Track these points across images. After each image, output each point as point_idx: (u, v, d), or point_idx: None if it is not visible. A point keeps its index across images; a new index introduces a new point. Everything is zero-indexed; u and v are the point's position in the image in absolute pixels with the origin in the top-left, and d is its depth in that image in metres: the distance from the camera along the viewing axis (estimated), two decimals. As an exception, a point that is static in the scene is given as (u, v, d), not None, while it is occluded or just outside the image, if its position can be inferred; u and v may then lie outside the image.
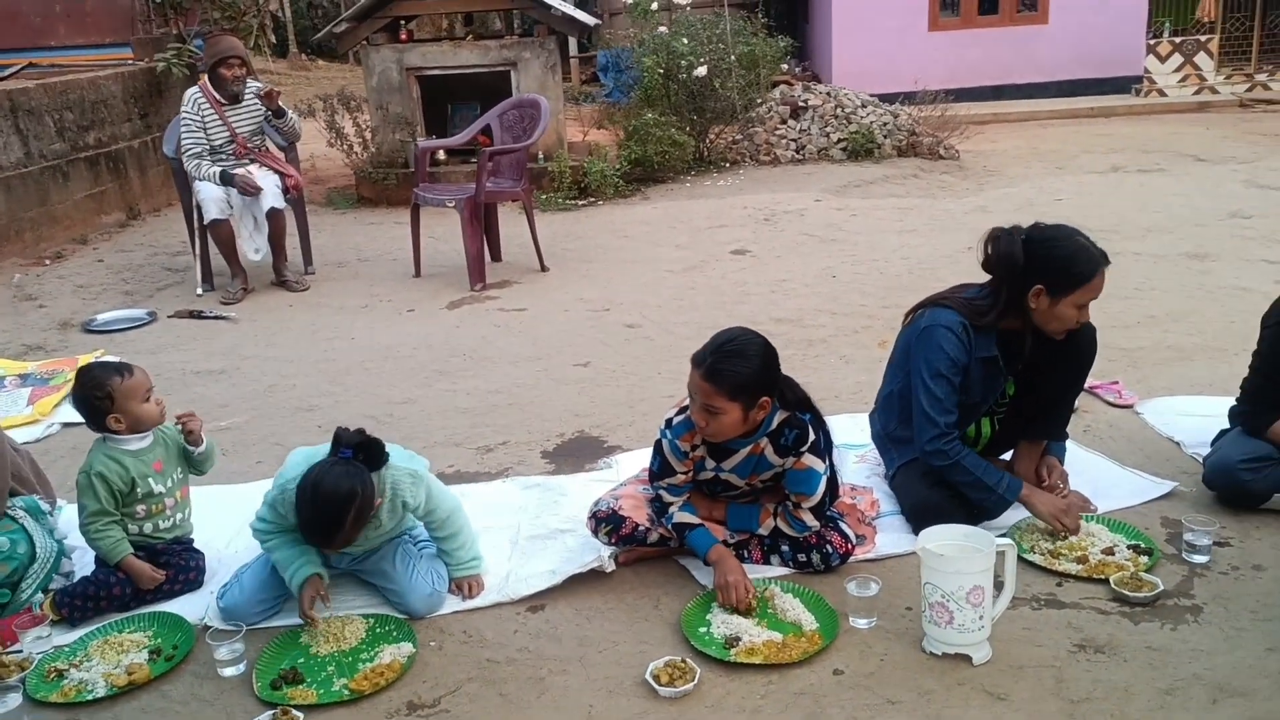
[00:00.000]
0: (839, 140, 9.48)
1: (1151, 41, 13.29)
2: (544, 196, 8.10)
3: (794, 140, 9.59)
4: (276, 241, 5.89)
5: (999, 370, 2.96)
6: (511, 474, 3.54)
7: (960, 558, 2.38)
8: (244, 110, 5.80)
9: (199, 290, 5.87)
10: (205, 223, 5.69)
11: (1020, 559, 2.82)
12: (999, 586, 2.46)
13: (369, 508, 2.53)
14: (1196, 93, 13.17)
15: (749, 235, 6.84)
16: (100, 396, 2.69)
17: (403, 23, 8.20)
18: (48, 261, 6.66)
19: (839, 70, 13.70)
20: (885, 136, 9.46)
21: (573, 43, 13.84)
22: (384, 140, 8.19)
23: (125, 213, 7.79)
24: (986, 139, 11.00)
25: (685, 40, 8.97)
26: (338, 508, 2.45)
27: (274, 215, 5.78)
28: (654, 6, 9.21)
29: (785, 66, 10.59)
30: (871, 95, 10.44)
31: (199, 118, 5.71)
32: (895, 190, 8.15)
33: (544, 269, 6.14)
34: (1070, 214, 6.92)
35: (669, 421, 2.71)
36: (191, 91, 5.76)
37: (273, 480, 2.69)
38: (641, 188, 8.49)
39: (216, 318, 5.45)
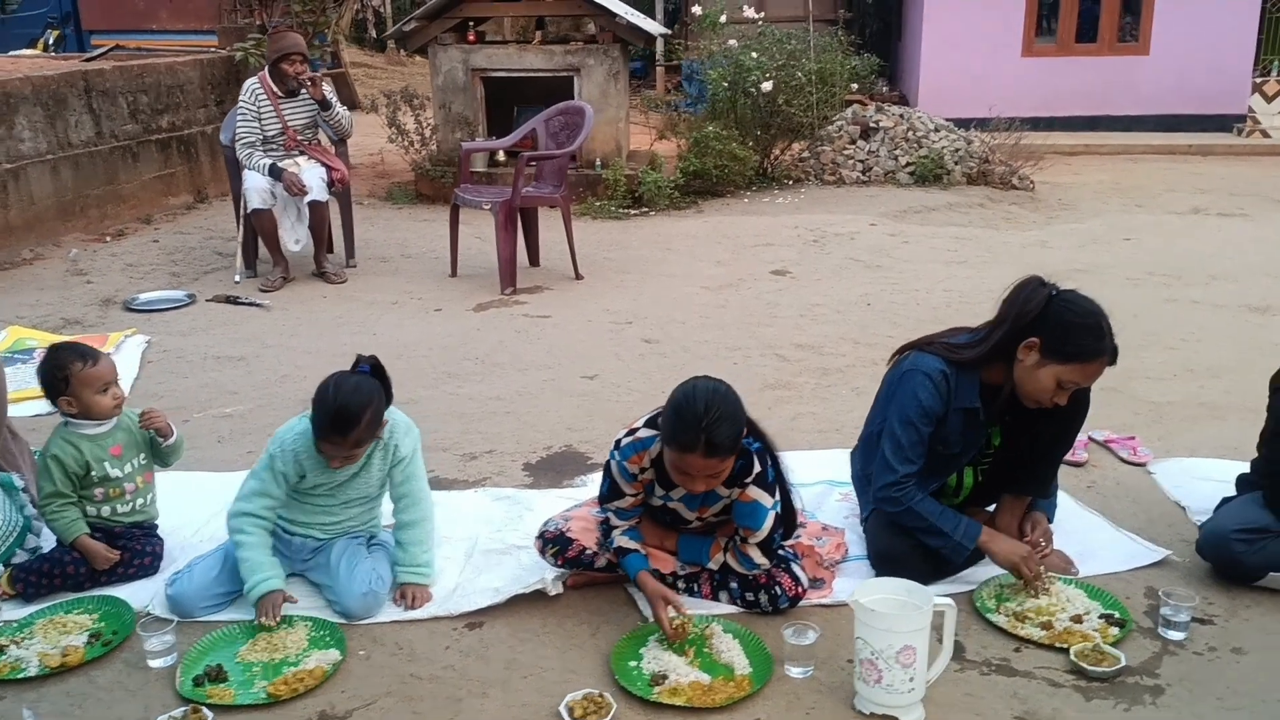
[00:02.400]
0: (907, 164, 9.26)
1: (1258, 80, 12.70)
2: (597, 204, 8.09)
3: (861, 161, 9.41)
4: (317, 233, 5.99)
5: (979, 422, 2.82)
6: (489, 484, 3.52)
7: (892, 615, 2.26)
8: (299, 104, 5.92)
9: (237, 277, 6.00)
10: (248, 211, 5.81)
11: (984, 619, 2.70)
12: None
13: (380, 417, 2.66)
14: (1301, 135, 12.54)
15: (793, 256, 6.71)
16: (59, 377, 2.75)
17: (471, 24, 8.27)
18: (108, 239, 6.89)
19: (925, 92, 13.42)
20: (956, 163, 9.21)
21: (660, 50, 13.82)
22: (445, 139, 8.29)
23: (193, 195, 8.02)
24: (1071, 170, 10.65)
25: (755, 54, 8.86)
26: (358, 403, 2.58)
27: (315, 207, 5.88)
28: (723, 19, 9.11)
29: (855, 86, 10.35)
30: (953, 120, 10.19)
31: (255, 108, 5.85)
32: (956, 219, 7.92)
33: (578, 277, 6.12)
34: (1136, 255, 6.67)
35: (618, 443, 2.64)
36: (250, 83, 5.90)
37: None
38: (698, 200, 8.42)
39: (251, 304, 5.57)
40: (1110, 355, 2.67)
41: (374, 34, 17.60)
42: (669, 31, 9.69)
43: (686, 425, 2.41)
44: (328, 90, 5.93)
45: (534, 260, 6.41)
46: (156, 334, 5.12)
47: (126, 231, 7.11)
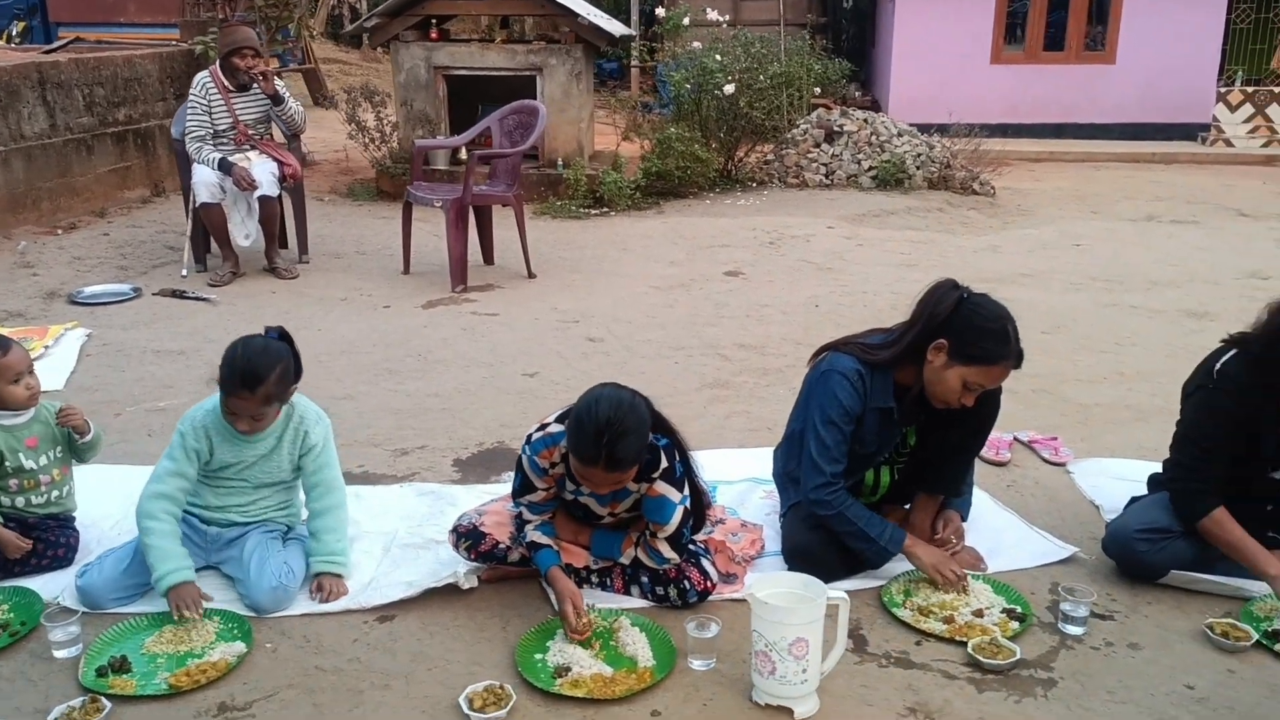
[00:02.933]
0: (870, 168, 9.33)
1: (1223, 89, 12.87)
2: (559, 203, 8.11)
3: (824, 165, 9.47)
4: (268, 228, 5.98)
5: (893, 422, 2.86)
6: (417, 479, 3.53)
7: (784, 608, 2.29)
8: (251, 99, 5.90)
9: (184, 271, 5.98)
10: (196, 205, 5.79)
11: (889, 613, 2.74)
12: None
13: (289, 378, 2.70)
14: (1265, 145, 12.71)
15: (748, 257, 6.76)
16: None
17: (433, 21, 8.28)
18: (59, 231, 6.86)
19: (896, 98, 13.52)
20: (918, 168, 9.28)
21: (635, 52, 13.85)
22: (406, 136, 8.29)
23: (150, 189, 7.99)
24: (1034, 177, 10.76)
25: (718, 57, 8.91)
26: (266, 361, 2.64)
27: (265, 203, 5.87)
28: (686, 22, 9.16)
29: (819, 90, 10.42)
30: (922, 125, 10.26)
31: (206, 102, 5.83)
32: (914, 223, 7.99)
33: (531, 275, 6.14)
34: (1083, 261, 6.75)
35: (529, 438, 2.67)
36: (201, 76, 5.88)
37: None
38: (660, 201, 8.45)
39: (197, 298, 5.56)
40: (1015, 359, 2.72)
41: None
42: (633, 33, 9.71)
43: (588, 439, 2.43)
44: (279, 85, 5.92)
45: (488, 258, 6.43)
46: (99, 327, 5.10)
47: (79, 224, 7.08)
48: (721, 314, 5.50)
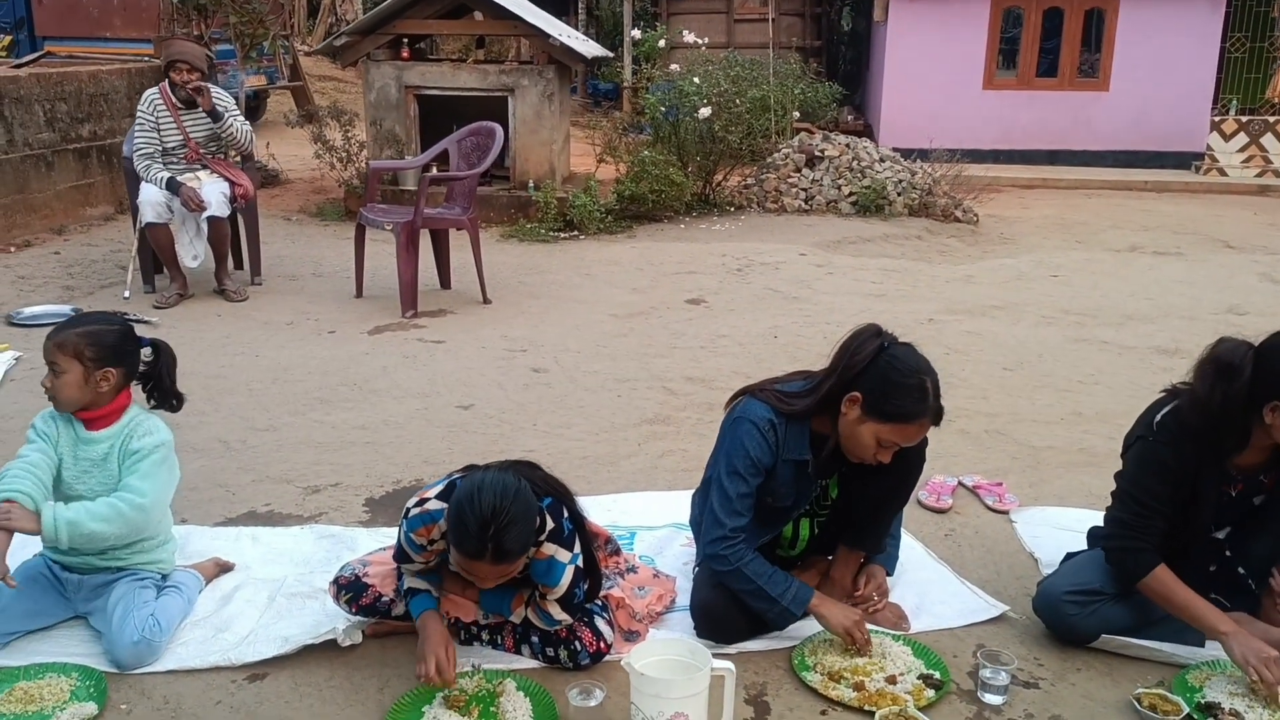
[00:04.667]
0: (850, 194, 9.18)
1: (1217, 118, 12.73)
2: (528, 226, 7.97)
3: (804, 190, 9.33)
4: (217, 249, 5.84)
5: (809, 475, 2.69)
6: (324, 519, 3.36)
7: (662, 679, 2.12)
8: (200, 116, 5.77)
9: (126, 293, 5.84)
10: (142, 225, 5.65)
11: (797, 677, 2.56)
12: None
13: (90, 349, 2.58)
14: (1259, 175, 12.56)
15: (713, 284, 6.60)
16: None
17: (404, 41, 8.17)
18: (13, 249, 6.73)
19: (888, 122, 13.43)
20: (899, 194, 9.13)
21: (627, 72, 13.75)
22: (375, 155, 8.16)
23: (114, 206, 7.86)
24: (1022, 204, 10.61)
25: (695, 80, 8.79)
26: (110, 322, 2.67)
27: (215, 223, 5.73)
28: (661, 44, 9.04)
29: (798, 114, 10.29)
30: (909, 150, 10.13)
31: (154, 119, 5.70)
32: (890, 250, 7.83)
33: (486, 301, 5.99)
34: (1057, 293, 6.58)
35: (406, 512, 2.47)
36: (150, 93, 5.75)
37: None
38: (633, 225, 8.31)
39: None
40: (933, 417, 2.54)
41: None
42: (609, 54, 9.58)
43: (471, 533, 2.24)
44: (218, 100, 5.75)
45: (445, 282, 6.28)
46: (33, 350, 4.93)
47: (34, 241, 6.95)
48: (675, 344, 5.33)
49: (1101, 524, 2.86)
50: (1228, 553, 2.72)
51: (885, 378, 2.52)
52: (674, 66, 9.05)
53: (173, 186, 5.62)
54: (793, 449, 2.65)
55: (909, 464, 2.73)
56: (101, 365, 2.61)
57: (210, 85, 5.85)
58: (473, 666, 2.52)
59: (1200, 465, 2.57)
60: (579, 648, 2.55)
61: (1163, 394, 2.72)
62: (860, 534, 2.82)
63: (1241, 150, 12.73)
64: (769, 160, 9.53)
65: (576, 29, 17.17)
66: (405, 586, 2.55)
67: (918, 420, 2.51)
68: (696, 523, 2.98)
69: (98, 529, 2.54)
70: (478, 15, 8.60)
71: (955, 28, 13.15)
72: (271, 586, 2.88)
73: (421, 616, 2.49)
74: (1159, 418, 2.64)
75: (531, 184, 8.19)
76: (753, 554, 2.63)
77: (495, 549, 2.24)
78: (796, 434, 2.65)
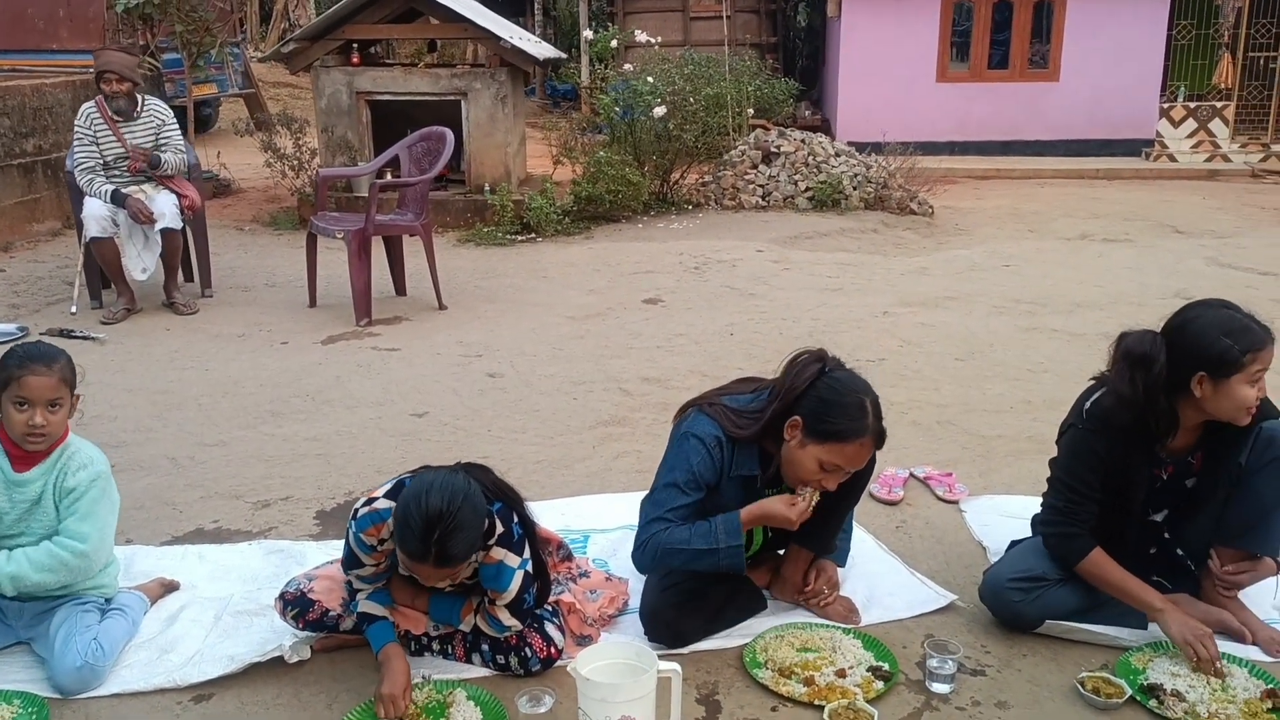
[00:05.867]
0: (806, 189, 9.23)
1: (1165, 105, 12.93)
2: (485, 230, 7.95)
3: (761, 186, 9.36)
4: (169, 262, 5.77)
5: (756, 489, 2.69)
6: (274, 534, 3.33)
7: (607, 684, 2.12)
8: (139, 127, 5.68)
9: (73, 308, 5.75)
10: (87, 240, 5.57)
11: (748, 674, 2.57)
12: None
13: (74, 378, 2.55)
14: (1208, 160, 12.78)
15: (670, 284, 6.61)
16: None
17: (354, 46, 8.10)
18: (-43, 267, 6.61)
19: (844, 117, 13.52)
20: (854, 188, 9.19)
21: (584, 73, 13.72)
22: (328, 163, 8.10)
23: (61, 221, 7.74)
24: (976, 195, 10.72)
25: (649, 79, 8.80)
26: (49, 349, 2.56)
27: (169, 235, 5.66)
28: (614, 44, 9.05)
29: (752, 111, 10.33)
30: (865, 144, 10.19)
31: (91, 133, 5.61)
32: (846, 244, 7.88)
33: (441, 307, 5.95)
34: (1009, 282, 6.65)
35: (355, 513, 2.45)
36: (86, 107, 5.67)
37: None
38: (591, 226, 8.30)
39: (85, 337, 5.32)
40: (875, 438, 2.54)
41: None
42: (563, 55, 9.56)
43: (415, 535, 2.22)
44: (157, 113, 5.66)
45: (400, 289, 6.24)
46: (-23, 370, 4.85)
47: (-21, 260, 6.84)
48: (632, 345, 5.33)
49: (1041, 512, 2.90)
50: (1166, 535, 2.77)
51: (823, 399, 2.53)
52: (628, 66, 9.05)
53: (118, 199, 5.54)
54: (741, 465, 2.65)
55: (857, 470, 2.73)
56: (73, 392, 2.56)
57: (150, 97, 5.79)
58: (423, 678, 2.50)
59: (1129, 451, 2.61)
60: (530, 654, 2.54)
61: (1092, 381, 2.76)
62: (810, 535, 2.83)
63: (1190, 136, 12.95)
64: (726, 157, 9.55)
65: (533, 30, 17.17)
66: (358, 609, 2.53)
67: (857, 439, 2.51)
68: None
69: (42, 580, 2.52)
70: (434, 20, 8.56)
71: (908, 22, 13.25)
72: (218, 605, 2.85)
73: (383, 650, 2.46)
74: (1088, 405, 2.69)
75: (487, 187, 8.16)
76: (666, 527, 2.59)
77: (439, 553, 2.23)
78: (744, 451, 2.66)
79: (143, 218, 5.53)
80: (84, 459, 2.60)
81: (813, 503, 2.58)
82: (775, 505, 2.59)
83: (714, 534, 2.56)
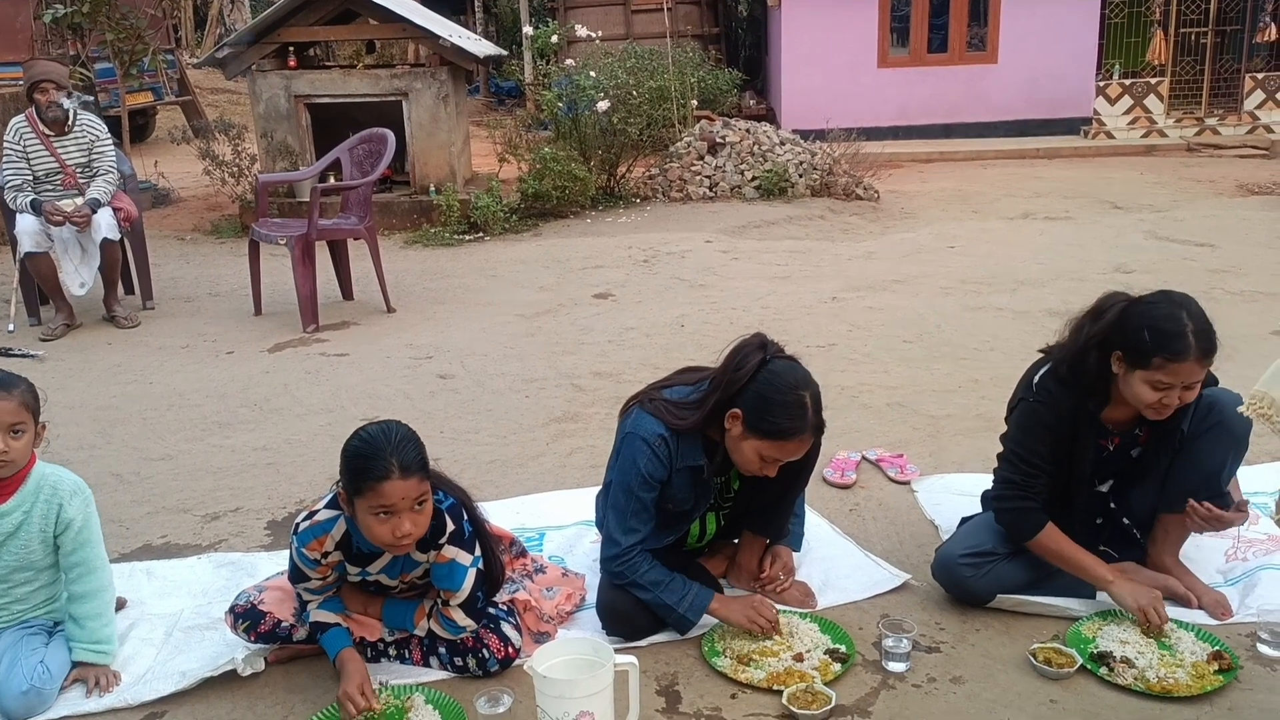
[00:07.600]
0: (753, 178, 9.27)
1: (1102, 83, 13.16)
2: (431, 231, 7.89)
3: (708, 177, 9.39)
4: (109, 274, 5.66)
5: (704, 478, 2.70)
6: (224, 547, 3.28)
7: (564, 680, 2.11)
8: (71, 142, 5.56)
9: (10, 326, 5.62)
10: (21, 256, 5.44)
11: (707, 663, 2.57)
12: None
13: (36, 404, 2.48)
14: (1145, 136, 13.03)
15: (620, 278, 6.60)
16: None
17: (290, 49, 7.99)
18: (-113, 290, 6.41)
19: (789, 105, 13.58)
20: (800, 176, 9.25)
21: (527, 69, 13.65)
22: (268, 169, 7.98)
23: (-5, 239, 7.54)
24: (921, 179, 10.83)
25: (592, 74, 8.78)
26: (8, 375, 2.47)
27: (107, 247, 5.54)
28: (554, 39, 9.02)
29: (695, 102, 10.35)
30: (809, 131, 10.24)
31: (21, 148, 5.48)
32: (794, 232, 7.93)
33: (390, 310, 5.90)
34: (955, 263, 6.73)
35: (296, 528, 2.42)
36: (16, 121, 5.53)
37: None
38: (539, 223, 8.28)
39: (22, 355, 5.20)
40: (813, 433, 2.55)
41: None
42: (503, 53, 9.52)
43: (368, 456, 2.26)
44: (90, 127, 5.56)
45: (347, 294, 6.18)
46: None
47: (-90, 281, 6.64)
48: (583, 341, 5.32)
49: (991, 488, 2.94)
50: (1112, 505, 2.82)
51: (763, 395, 2.51)
52: (570, 61, 9.02)
53: (35, 207, 5.40)
54: (686, 456, 2.64)
55: (806, 454, 2.74)
56: (36, 418, 2.49)
57: (84, 112, 5.66)
58: (380, 684, 2.48)
59: (1077, 421, 2.65)
60: (487, 655, 2.53)
61: (1040, 354, 2.80)
62: (762, 522, 2.85)
63: (1127, 113, 13.21)
64: (672, 150, 9.57)
65: (474, 27, 17.06)
66: (311, 619, 2.50)
67: (797, 437, 2.51)
68: (600, 522, 2.98)
69: (111, 616, 2.63)
70: (372, 21, 8.46)
71: (848, 9, 13.34)
72: (168, 621, 2.80)
73: (339, 655, 2.44)
74: (1037, 378, 2.73)
75: (433, 188, 8.09)
76: (649, 564, 2.62)
77: (400, 462, 2.25)
78: (689, 443, 2.65)
79: (55, 219, 5.38)
80: (71, 486, 2.54)
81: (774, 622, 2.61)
82: (738, 615, 2.62)
83: (683, 599, 2.60)
